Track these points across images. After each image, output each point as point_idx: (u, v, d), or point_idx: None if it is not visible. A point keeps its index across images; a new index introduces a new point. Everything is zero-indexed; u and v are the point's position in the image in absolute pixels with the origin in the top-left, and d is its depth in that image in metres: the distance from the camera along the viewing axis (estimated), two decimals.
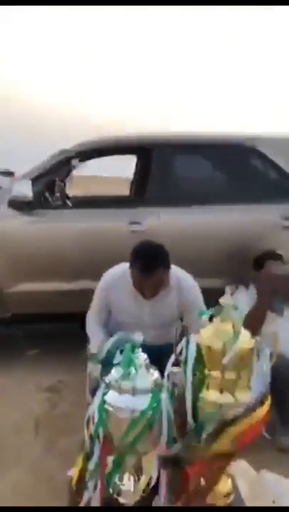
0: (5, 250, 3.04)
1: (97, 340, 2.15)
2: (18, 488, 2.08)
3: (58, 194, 3.39)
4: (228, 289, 1.34)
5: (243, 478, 1.53)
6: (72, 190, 4.04)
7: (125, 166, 4.75)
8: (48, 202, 3.32)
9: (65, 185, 3.84)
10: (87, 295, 2.42)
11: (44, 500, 1.94)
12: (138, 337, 1.33)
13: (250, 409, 1.28)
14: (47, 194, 3.41)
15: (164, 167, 3.27)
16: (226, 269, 3.17)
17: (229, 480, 1.38)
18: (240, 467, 1.59)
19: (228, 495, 1.35)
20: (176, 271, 2.19)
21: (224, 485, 1.34)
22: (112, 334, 1.79)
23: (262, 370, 1.29)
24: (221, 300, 1.32)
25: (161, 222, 3.14)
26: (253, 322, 2.72)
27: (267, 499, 1.53)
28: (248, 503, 1.43)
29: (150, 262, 2.01)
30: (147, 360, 1.33)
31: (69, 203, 3.60)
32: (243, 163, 3.39)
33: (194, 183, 3.37)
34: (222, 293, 2.82)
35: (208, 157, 3.46)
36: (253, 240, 3.21)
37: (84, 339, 2.41)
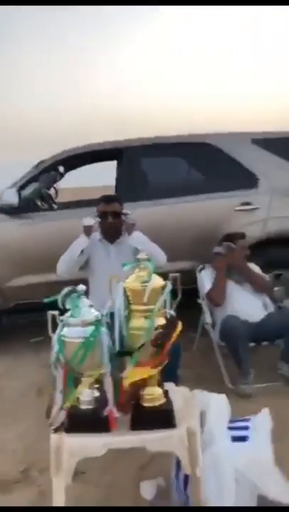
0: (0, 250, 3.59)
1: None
2: (26, 432, 2.80)
3: (45, 201, 3.94)
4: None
5: (179, 393, 2.01)
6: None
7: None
8: (37, 206, 3.87)
9: (56, 191, 4.38)
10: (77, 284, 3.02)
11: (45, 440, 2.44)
12: (81, 288, 1.86)
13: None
14: (37, 202, 3.96)
15: (134, 166, 3.78)
16: (193, 253, 3.66)
17: (158, 388, 1.85)
18: (178, 388, 2.08)
19: (158, 397, 1.83)
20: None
21: (153, 390, 1.83)
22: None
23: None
24: (138, 256, 1.83)
25: (137, 215, 3.64)
26: (215, 293, 3.27)
27: (196, 408, 2.00)
28: (181, 412, 1.89)
29: (109, 196, 3.37)
30: (90, 303, 1.86)
31: (55, 206, 4.14)
32: (203, 158, 3.88)
33: (162, 179, 3.88)
34: (190, 273, 3.33)
35: (173, 155, 3.94)
36: (215, 224, 3.70)
37: None
